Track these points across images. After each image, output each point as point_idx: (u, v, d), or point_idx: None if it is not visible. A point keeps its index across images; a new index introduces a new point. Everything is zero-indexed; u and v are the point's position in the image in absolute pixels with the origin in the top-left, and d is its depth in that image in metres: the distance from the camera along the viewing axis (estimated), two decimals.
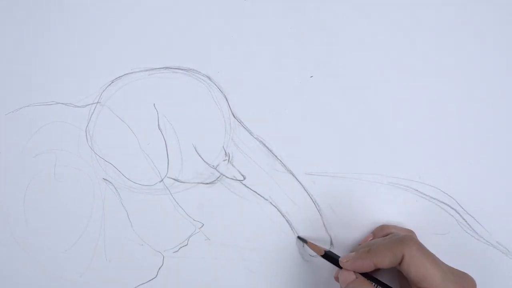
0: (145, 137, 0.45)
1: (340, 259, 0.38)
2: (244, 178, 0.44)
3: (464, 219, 0.42)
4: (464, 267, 0.40)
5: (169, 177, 0.44)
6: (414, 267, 0.33)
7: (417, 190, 0.42)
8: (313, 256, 0.43)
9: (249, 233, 0.44)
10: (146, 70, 0.45)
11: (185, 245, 0.44)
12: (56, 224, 0.45)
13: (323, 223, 0.43)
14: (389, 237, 0.37)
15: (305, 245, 0.43)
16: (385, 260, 0.35)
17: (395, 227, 0.41)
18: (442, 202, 0.42)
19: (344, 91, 0.43)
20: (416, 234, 0.41)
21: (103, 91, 0.45)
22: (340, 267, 0.38)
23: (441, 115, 0.42)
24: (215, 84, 0.44)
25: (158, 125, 0.45)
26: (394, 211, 0.42)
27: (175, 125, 0.44)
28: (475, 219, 0.42)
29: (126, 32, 0.45)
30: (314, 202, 0.43)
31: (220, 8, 0.45)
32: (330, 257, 0.40)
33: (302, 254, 0.43)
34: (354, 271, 0.37)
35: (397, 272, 0.40)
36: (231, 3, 0.44)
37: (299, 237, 0.43)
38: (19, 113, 0.46)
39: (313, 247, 0.41)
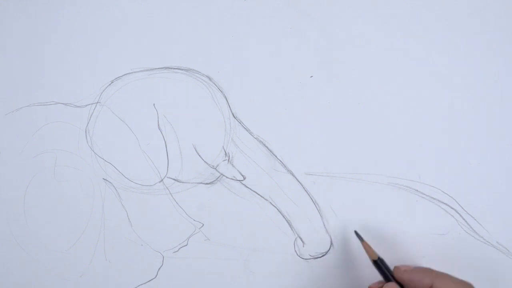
0: (145, 137, 0.45)
1: (397, 266, 0.37)
2: (244, 178, 0.44)
3: (464, 219, 0.42)
4: (464, 267, 0.40)
5: (169, 177, 0.44)
6: None
7: (417, 190, 0.42)
8: (312, 256, 0.43)
9: (249, 233, 0.44)
10: (146, 70, 0.45)
11: (185, 245, 0.44)
12: (56, 224, 0.45)
13: (323, 223, 0.43)
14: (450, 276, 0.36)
15: (305, 245, 0.43)
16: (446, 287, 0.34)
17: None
18: (442, 202, 0.42)
19: (344, 91, 0.43)
20: (416, 234, 0.41)
21: (103, 91, 0.45)
22: (388, 280, 0.37)
23: (441, 115, 0.42)
24: (215, 84, 0.44)
25: (158, 125, 0.45)
26: (394, 211, 0.42)
27: (175, 125, 0.44)
28: (475, 219, 0.42)
29: (126, 32, 0.45)
30: (314, 202, 0.43)
31: (220, 8, 0.45)
32: (380, 265, 0.38)
33: (302, 254, 0.43)
34: None
35: None
36: (231, 3, 0.44)
37: (356, 232, 0.41)
38: (19, 113, 0.46)
39: (368, 249, 0.40)
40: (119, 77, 0.45)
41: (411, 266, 0.37)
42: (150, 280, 0.44)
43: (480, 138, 0.42)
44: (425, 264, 0.41)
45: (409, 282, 0.36)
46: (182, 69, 0.45)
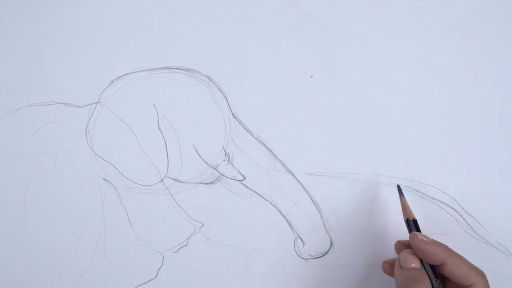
0: (145, 137, 0.45)
1: (414, 233, 0.36)
2: (244, 178, 0.44)
3: (464, 219, 0.42)
4: None
5: (169, 177, 0.44)
6: None
7: (417, 190, 0.42)
8: (312, 256, 0.43)
9: (249, 233, 0.44)
10: (146, 70, 0.45)
11: (185, 245, 0.44)
12: (56, 224, 0.45)
13: (323, 223, 0.43)
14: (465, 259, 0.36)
15: (305, 245, 0.43)
16: (456, 270, 0.34)
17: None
18: (442, 202, 0.42)
19: (344, 91, 0.43)
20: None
21: (103, 91, 0.45)
22: None
23: (441, 115, 0.42)
24: (215, 84, 0.44)
25: (158, 125, 0.45)
26: (394, 211, 0.42)
27: (175, 125, 0.44)
28: (475, 219, 0.42)
29: (126, 32, 0.45)
30: (314, 202, 0.43)
31: (220, 8, 0.45)
32: (408, 226, 0.38)
33: (302, 254, 0.43)
34: (418, 257, 0.35)
35: None
36: (231, 3, 0.44)
37: (398, 187, 0.41)
38: (19, 113, 0.46)
39: (404, 206, 0.39)
40: (119, 77, 0.45)
41: (429, 237, 0.36)
42: (150, 280, 0.44)
43: (480, 138, 0.42)
44: None
45: (423, 252, 0.35)
46: (182, 69, 0.45)
